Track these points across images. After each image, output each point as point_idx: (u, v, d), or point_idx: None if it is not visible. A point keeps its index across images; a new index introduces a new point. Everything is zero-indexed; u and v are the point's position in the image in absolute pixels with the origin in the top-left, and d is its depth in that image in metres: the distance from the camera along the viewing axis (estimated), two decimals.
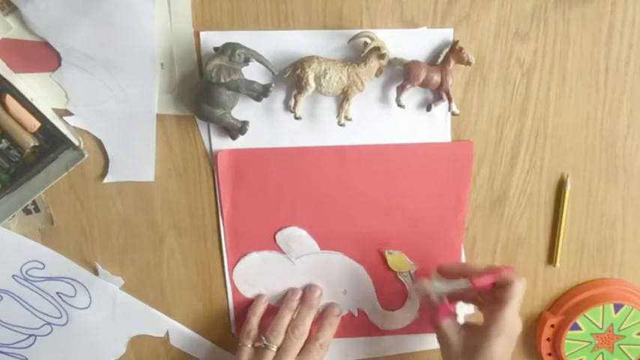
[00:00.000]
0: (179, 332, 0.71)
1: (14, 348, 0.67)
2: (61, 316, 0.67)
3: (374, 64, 0.60)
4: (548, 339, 0.73)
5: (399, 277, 0.70)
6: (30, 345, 0.67)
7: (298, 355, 0.65)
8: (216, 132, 0.63)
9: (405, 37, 0.61)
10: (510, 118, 0.66)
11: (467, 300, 0.67)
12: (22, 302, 0.66)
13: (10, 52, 0.58)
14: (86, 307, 0.67)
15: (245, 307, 0.71)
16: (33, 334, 0.67)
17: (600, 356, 0.74)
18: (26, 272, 0.65)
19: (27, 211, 0.65)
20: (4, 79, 0.57)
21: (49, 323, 0.67)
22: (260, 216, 0.67)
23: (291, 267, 0.69)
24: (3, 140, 0.60)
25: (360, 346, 0.73)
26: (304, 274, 0.70)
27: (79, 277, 0.66)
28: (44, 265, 0.65)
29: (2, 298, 0.65)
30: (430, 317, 0.63)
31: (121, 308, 0.68)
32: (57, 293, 0.66)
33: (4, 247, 0.64)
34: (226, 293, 0.71)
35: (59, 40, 0.58)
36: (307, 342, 0.66)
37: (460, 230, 0.69)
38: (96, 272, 0.67)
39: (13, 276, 0.65)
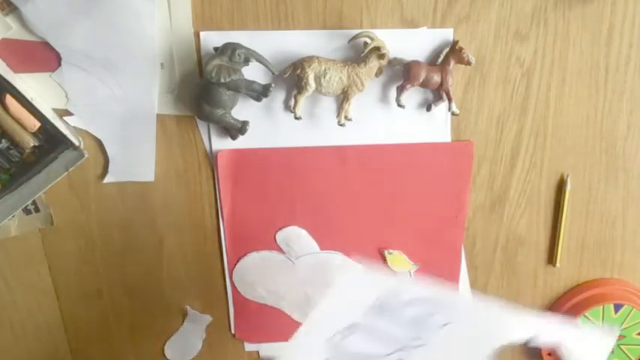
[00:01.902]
0: None
1: None
2: (417, 339, 0.58)
3: (374, 64, 0.60)
4: None
5: None
6: None
7: None
8: (216, 132, 0.63)
9: (405, 37, 0.61)
10: (510, 118, 0.66)
11: None
12: (375, 335, 0.57)
13: (10, 52, 0.58)
14: (445, 326, 0.57)
15: (245, 307, 0.71)
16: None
17: None
18: (381, 303, 0.56)
19: (27, 211, 0.65)
20: (4, 79, 0.57)
21: (402, 349, 0.57)
22: (260, 216, 0.67)
23: (291, 267, 0.69)
24: (3, 140, 0.60)
25: None
26: (304, 274, 0.70)
27: (441, 299, 0.57)
28: (399, 293, 0.57)
29: (353, 332, 0.56)
30: None
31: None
32: (414, 319, 0.57)
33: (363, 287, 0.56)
34: (226, 293, 0.71)
35: (59, 40, 0.58)
36: None
37: (460, 230, 0.69)
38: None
39: (369, 307, 0.56)
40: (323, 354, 0.56)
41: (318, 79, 0.59)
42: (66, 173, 0.62)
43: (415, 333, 0.58)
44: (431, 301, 0.57)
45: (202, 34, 0.60)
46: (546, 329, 0.58)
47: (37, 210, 0.65)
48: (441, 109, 0.64)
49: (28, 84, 0.59)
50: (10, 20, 0.57)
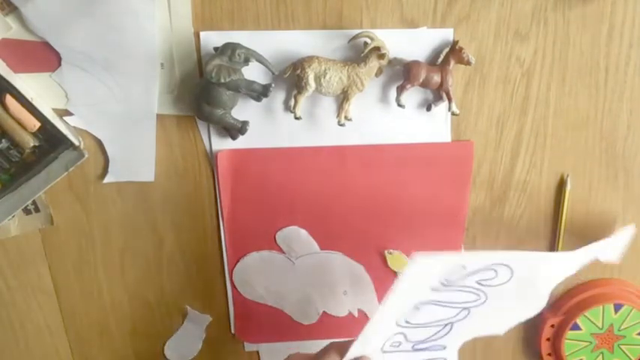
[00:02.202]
0: None
1: (432, 341, 0.63)
2: (479, 298, 0.60)
3: (374, 64, 0.60)
4: (548, 339, 0.73)
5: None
6: (447, 333, 0.62)
7: None
8: (216, 132, 0.63)
9: (405, 37, 0.61)
10: (510, 118, 0.66)
11: None
12: (440, 304, 0.60)
13: (10, 52, 0.58)
14: (507, 281, 0.59)
15: (245, 307, 0.71)
16: (450, 322, 0.62)
17: (600, 356, 0.74)
18: (445, 280, 0.58)
19: (27, 211, 0.65)
20: (4, 79, 0.57)
21: (466, 308, 0.61)
22: (260, 216, 0.67)
23: (291, 267, 0.69)
24: (3, 140, 0.60)
25: None
26: (304, 274, 0.70)
27: (503, 261, 0.58)
28: (465, 266, 0.58)
29: (419, 309, 0.59)
30: None
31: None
32: (477, 282, 0.60)
33: (431, 271, 0.56)
34: (226, 293, 0.71)
35: (59, 40, 0.58)
36: None
37: (460, 230, 0.69)
38: None
39: (432, 288, 0.58)
40: (392, 332, 0.59)
41: (318, 79, 0.59)
42: (66, 173, 0.62)
43: (476, 297, 0.60)
44: (493, 267, 0.58)
45: (202, 34, 0.60)
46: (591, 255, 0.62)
47: (37, 210, 0.65)
48: (441, 109, 0.64)
49: (28, 84, 0.59)
50: (10, 20, 0.57)
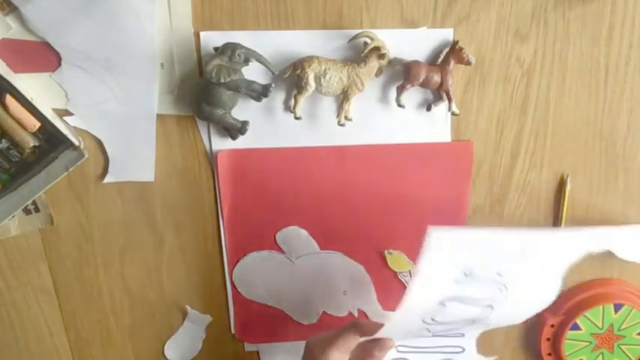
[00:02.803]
0: None
1: (452, 331, 0.61)
2: (501, 292, 0.59)
3: (374, 64, 0.60)
4: (548, 339, 0.73)
5: (399, 277, 0.70)
6: (468, 325, 0.61)
7: None
8: (216, 132, 0.63)
9: (405, 37, 0.61)
10: (510, 118, 0.66)
11: None
12: (465, 302, 0.59)
13: (10, 52, 0.58)
14: (522, 266, 0.59)
15: (245, 307, 0.71)
16: (473, 320, 0.61)
17: (600, 356, 0.74)
18: (470, 271, 0.57)
19: (27, 211, 0.65)
20: (4, 79, 0.57)
21: (490, 305, 0.60)
22: (260, 216, 0.67)
23: (291, 267, 0.69)
24: (3, 140, 0.60)
25: None
26: (304, 274, 0.70)
27: (519, 246, 0.58)
28: (483, 256, 0.57)
29: (445, 306, 0.58)
30: None
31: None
32: (497, 273, 0.59)
33: (452, 251, 0.56)
34: (226, 293, 0.71)
35: (59, 40, 0.58)
36: None
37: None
38: None
39: (456, 280, 0.57)
40: (417, 327, 0.58)
41: (318, 79, 0.59)
42: (66, 173, 0.62)
43: (499, 292, 0.59)
44: (513, 253, 0.58)
45: (202, 34, 0.60)
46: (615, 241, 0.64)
47: (37, 210, 0.65)
48: (441, 109, 0.64)
49: (28, 84, 0.59)
50: (10, 20, 0.57)
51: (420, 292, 0.55)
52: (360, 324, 0.59)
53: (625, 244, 0.66)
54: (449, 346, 0.64)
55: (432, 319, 0.59)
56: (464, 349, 0.64)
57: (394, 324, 0.56)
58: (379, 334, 0.57)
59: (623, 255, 0.67)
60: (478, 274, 0.58)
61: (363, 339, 0.58)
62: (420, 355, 0.63)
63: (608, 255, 0.72)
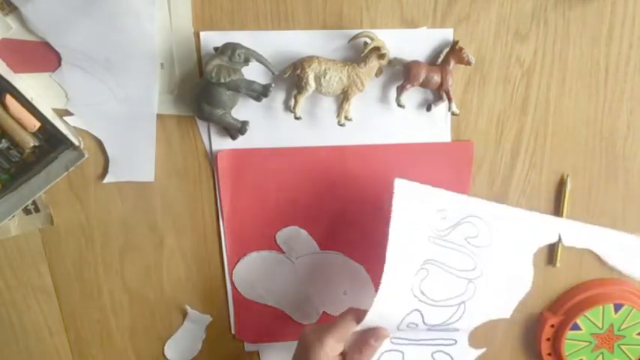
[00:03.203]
0: None
1: (446, 326, 0.62)
2: (476, 267, 0.62)
3: (374, 64, 0.60)
4: (548, 339, 0.73)
5: None
6: (461, 316, 0.62)
7: None
8: (216, 132, 0.63)
9: (405, 37, 0.61)
10: (510, 118, 0.66)
11: None
12: (443, 267, 0.61)
13: (10, 52, 0.58)
14: (490, 243, 0.63)
15: (245, 307, 0.71)
16: (462, 301, 0.62)
17: (600, 356, 0.74)
18: (437, 228, 0.61)
19: (27, 211, 0.65)
20: (4, 79, 0.57)
21: (471, 280, 0.62)
22: (260, 216, 0.67)
23: (291, 267, 0.69)
24: (3, 140, 0.60)
25: None
26: (304, 274, 0.70)
27: (476, 211, 0.63)
28: (445, 211, 0.62)
29: (428, 272, 0.60)
30: None
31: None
32: (465, 239, 0.62)
33: (416, 204, 0.60)
34: (226, 293, 0.71)
35: (59, 40, 0.58)
36: None
37: None
38: None
39: (429, 238, 0.61)
40: (410, 303, 0.60)
41: (318, 79, 0.59)
42: (66, 173, 0.62)
43: (473, 263, 0.62)
44: (473, 218, 0.63)
45: (202, 34, 0.60)
46: (575, 231, 0.67)
47: (37, 210, 0.65)
48: (441, 109, 0.64)
49: (28, 84, 0.59)
50: (10, 20, 0.57)
51: (398, 248, 0.58)
52: (357, 311, 0.60)
53: (608, 247, 0.68)
54: (441, 339, 0.65)
55: (422, 292, 0.60)
56: (456, 342, 0.66)
57: (385, 295, 0.57)
58: (372, 310, 0.58)
59: (603, 256, 0.69)
60: (448, 236, 0.62)
61: (358, 327, 0.59)
62: (414, 347, 0.64)
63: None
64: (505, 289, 0.66)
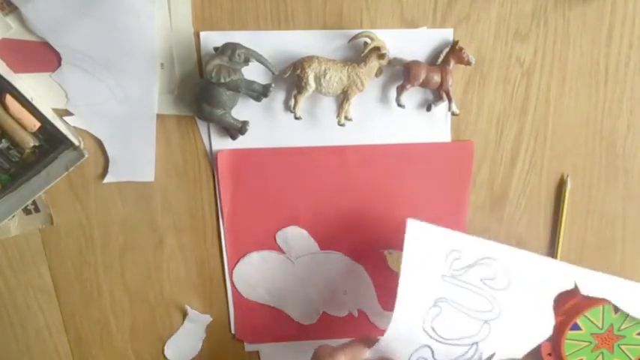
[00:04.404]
0: None
1: None
2: (492, 309, 0.62)
3: (374, 64, 0.60)
4: (548, 339, 0.73)
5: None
6: (472, 356, 0.63)
7: None
8: (216, 132, 0.63)
9: (405, 37, 0.61)
10: (510, 118, 0.66)
11: None
12: (457, 306, 0.62)
13: (10, 52, 0.58)
14: (507, 286, 0.63)
15: (245, 307, 0.71)
16: (475, 342, 0.63)
17: (600, 356, 0.74)
18: (451, 267, 0.61)
19: (27, 211, 0.65)
20: (4, 79, 0.57)
21: (486, 321, 0.63)
22: (260, 216, 0.67)
23: (291, 267, 0.69)
24: (3, 140, 0.60)
25: None
26: (304, 274, 0.70)
27: (493, 254, 0.62)
28: (460, 252, 0.61)
29: (440, 309, 0.61)
30: None
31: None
32: (481, 281, 0.62)
33: (429, 244, 0.60)
34: (226, 293, 0.71)
35: (59, 40, 0.58)
36: None
37: (460, 230, 0.69)
38: None
39: (443, 277, 0.61)
40: (421, 339, 0.61)
41: (318, 79, 0.59)
42: (66, 173, 0.62)
43: (489, 304, 0.62)
44: (489, 260, 0.62)
45: (202, 34, 0.60)
46: (592, 279, 0.66)
47: (37, 210, 0.65)
48: (441, 109, 0.64)
49: (28, 84, 0.60)
50: (10, 20, 0.57)
51: (410, 284, 0.58)
52: (368, 337, 0.60)
53: (624, 297, 0.68)
54: None
55: (433, 329, 0.61)
56: None
57: (396, 328, 0.58)
58: (383, 339, 0.58)
59: (623, 307, 0.68)
60: (462, 278, 0.61)
61: (368, 354, 0.59)
62: None
63: (608, 255, 0.72)
64: (524, 333, 0.66)
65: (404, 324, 0.59)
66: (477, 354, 0.63)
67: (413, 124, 0.65)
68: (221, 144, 0.64)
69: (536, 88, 0.65)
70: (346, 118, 0.62)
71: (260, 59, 0.59)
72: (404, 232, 0.59)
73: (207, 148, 0.64)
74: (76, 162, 0.62)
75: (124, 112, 0.62)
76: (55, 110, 0.61)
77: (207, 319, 0.71)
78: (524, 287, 0.64)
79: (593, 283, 0.66)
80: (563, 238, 0.70)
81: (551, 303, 0.65)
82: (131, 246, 0.68)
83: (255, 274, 0.70)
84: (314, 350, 0.61)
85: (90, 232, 0.67)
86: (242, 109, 0.62)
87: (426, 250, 0.60)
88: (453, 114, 0.63)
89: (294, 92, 0.61)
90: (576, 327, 0.71)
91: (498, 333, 0.63)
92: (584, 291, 0.66)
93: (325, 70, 0.59)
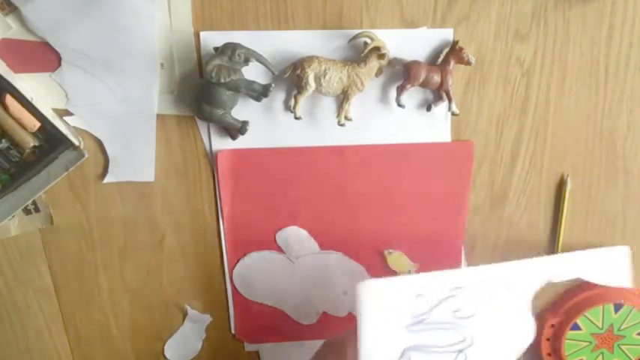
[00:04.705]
0: None
1: None
2: (465, 339, 0.62)
3: (374, 64, 0.60)
4: (548, 339, 0.73)
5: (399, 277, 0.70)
6: None
7: None
8: (216, 132, 0.63)
9: (405, 37, 0.61)
10: (510, 118, 0.66)
11: None
12: (427, 350, 0.61)
13: (10, 52, 0.58)
14: (477, 311, 0.62)
15: (245, 307, 0.71)
16: None
17: (600, 356, 0.74)
18: (416, 313, 0.60)
19: (27, 211, 0.65)
20: (4, 79, 0.57)
21: (460, 351, 0.62)
22: (260, 216, 0.67)
23: (291, 267, 0.69)
24: (3, 140, 0.60)
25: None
26: (304, 274, 0.70)
27: (458, 282, 0.61)
28: (424, 294, 0.60)
29: (410, 357, 0.61)
30: None
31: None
32: (451, 314, 0.61)
33: (387, 300, 0.58)
34: (226, 293, 0.71)
35: (59, 40, 0.58)
36: None
37: (460, 230, 0.69)
38: None
39: (406, 327, 0.60)
40: None
41: (318, 79, 0.59)
42: (66, 173, 0.62)
43: (460, 335, 0.62)
44: (455, 290, 0.61)
45: (202, 34, 0.60)
46: (561, 264, 0.65)
47: (37, 210, 0.65)
48: (441, 109, 0.64)
49: (28, 84, 0.59)
50: (10, 20, 0.57)
51: (372, 346, 0.56)
52: None
53: (592, 268, 0.67)
54: None
55: None
56: None
57: None
58: None
59: (591, 279, 0.67)
60: (429, 318, 0.60)
61: None
62: None
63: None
64: (505, 345, 0.65)
65: None
66: None
67: (413, 124, 0.65)
68: (221, 144, 0.64)
69: (536, 88, 0.65)
70: (346, 118, 0.62)
71: (260, 59, 0.59)
72: (357, 297, 0.57)
73: (207, 148, 0.64)
74: (76, 162, 0.62)
75: (124, 112, 0.62)
76: (55, 110, 0.61)
77: (207, 319, 0.71)
78: (497, 301, 0.63)
79: (562, 268, 0.65)
80: (563, 238, 0.70)
81: (528, 305, 0.65)
82: (131, 246, 0.68)
83: (255, 274, 0.70)
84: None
85: (90, 232, 0.67)
86: (242, 109, 0.62)
87: (384, 308, 0.59)
88: (453, 114, 0.63)
89: (294, 92, 0.61)
90: (576, 327, 0.71)
91: (476, 357, 0.63)
92: (557, 279, 0.65)
93: (325, 70, 0.59)
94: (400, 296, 0.59)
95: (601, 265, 0.66)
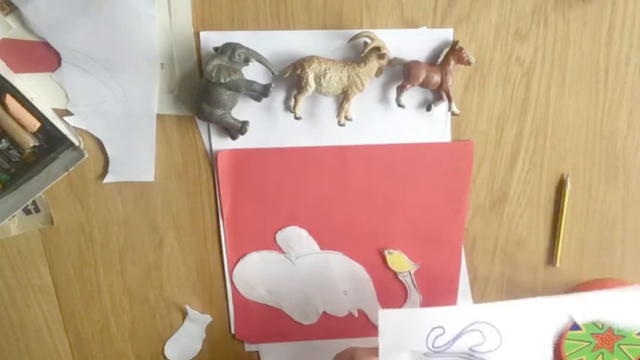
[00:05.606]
0: None
1: None
2: None
3: (374, 64, 0.60)
4: None
5: (399, 277, 0.70)
6: None
7: None
8: (216, 132, 0.63)
9: (405, 37, 0.61)
10: (510, 118, 0.66)
11: None
12: None
13: (10, 52, 0.58)
14: (499, 345, 0.61)
15: (245, 307, 0.71)
16: None
17: (600, 356, 0.74)
18: (433, 346, 0.60)
19: (27, 211, 0.65)
20: (4, 79, 0.57)
21: None
22: (260, 216, 0.67)
23: (291, 267, 0.69)
24: (3, 140, 0.60)
25: (360, 346, 0.73)
26: (304, 274, 0.70)
27: (480, 317, 0.60)
28: (442, 327, 0.60)
29: None
30: None
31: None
32: (469, 348, 0.61)
33: (405, 330, 0.59)
34: (226, 293, 0.71)
35: (59, 40, 0.58)
36: None
37: (460, 230, 0.69)
38: None
39: (425, 355, 0.60)
40: None
41: (318, 79, 0.59)
42: (66, 173, 0.62)
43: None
44: (476, 324, 0.60)
45: (202, 34, 0.60)
46: (583, 304, 0.64)
47: (37, 210, 0.65)
48: (441, 109, 0.64)
49: (28, 84, 0.60)
50: (10, 20, 0.57)
51: None
52: None
53: (617, 310, 0.65)
54: None
55: None
56: None
57: None
58: None
59: (617, 322, 0.66)
60: (450, 350, 0.60)
61: None
62: None
63: (608, 255, 0.72)
64: None
65: None
66: None
67: (413, 124, 0.65)
68: (221, 144, 0.64)
69: (536, 88, 0.65)
70: (346, 118, 0.62)
71: (260, 59, 0.59)
72: (378, 324, 0.58)
73: (207, 148, 0.64)
74: (76, 162, 0.62)
75: (124, 112, 0.62)
76: (55, 110, 0.61)
77: (207, 319, 0.71)
78: (518, 339, 0.62)
79: (585, 307, 0.64)
80: (563, 238, 0.70)
81: (550, 343, 0.64)
82: (131, 246, 0.68)
83: (255, 274, 0.70)
84: (343, 351, 0.60)
85: (90, 232, 0.67)
86: (242, 109, 0.62)
87: (402, 336, 0.59)
88: (453, 114, 0.63)
89: (294, 92, 0.61)
90: (576, 327, 0.71)
91: None
92: (580, 319, 0.64)
93: (325, 70, 0.59)
94: (418, 328, 0.60)
95: (629, 306, 0.65)
